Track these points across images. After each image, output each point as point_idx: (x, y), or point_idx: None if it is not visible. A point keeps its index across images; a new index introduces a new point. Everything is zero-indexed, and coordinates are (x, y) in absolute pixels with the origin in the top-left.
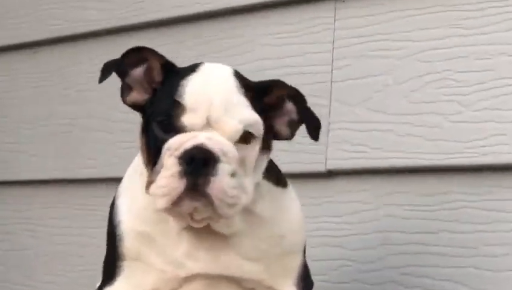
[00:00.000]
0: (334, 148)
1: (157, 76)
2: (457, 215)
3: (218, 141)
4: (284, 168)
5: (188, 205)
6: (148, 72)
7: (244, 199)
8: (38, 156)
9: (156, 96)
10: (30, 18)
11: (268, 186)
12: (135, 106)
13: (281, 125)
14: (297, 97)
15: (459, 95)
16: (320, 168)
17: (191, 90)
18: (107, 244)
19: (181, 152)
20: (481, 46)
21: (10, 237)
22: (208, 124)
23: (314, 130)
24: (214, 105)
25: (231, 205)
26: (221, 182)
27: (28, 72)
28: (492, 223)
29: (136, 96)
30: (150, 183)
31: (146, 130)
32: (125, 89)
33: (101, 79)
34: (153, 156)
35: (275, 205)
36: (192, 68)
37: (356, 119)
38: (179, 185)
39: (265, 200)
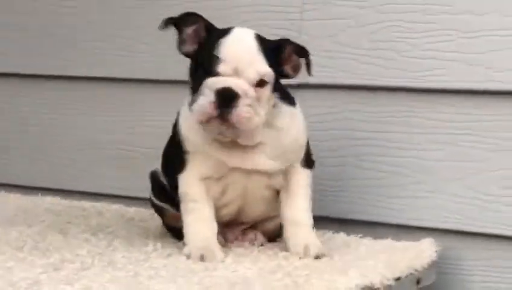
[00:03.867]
0: None
1: (202, 33)
2: (404, 123)
3: (241, 85)
4: None
5: (216, 127)
6: (196, 30)
7: (257, 121)
8: None
9: (201, 48)
10: None
11: (284, 107)
12: (187, 55)
13: (289, 70)
14: (301, 50)
15: (409, 38)
16: None
17: (225, 47)
18: (172, 145)
19: (216, 88)
20: (428, 5)
21: None
22: (236, 73)
23: (309, 68)
24: (240, 59)
25: (246, 125)
26: (240, 112)
27: None
28: (427, 128)
29: (188, 47)
30: (192, 102)
31: (195, 71)
32: (181, 42)
33: (161, 28)
34: (196, 88)
35: (289, 119)
36: (227, 30)
37: (324, 49)
38: (213, 111)
39: (283, 117)
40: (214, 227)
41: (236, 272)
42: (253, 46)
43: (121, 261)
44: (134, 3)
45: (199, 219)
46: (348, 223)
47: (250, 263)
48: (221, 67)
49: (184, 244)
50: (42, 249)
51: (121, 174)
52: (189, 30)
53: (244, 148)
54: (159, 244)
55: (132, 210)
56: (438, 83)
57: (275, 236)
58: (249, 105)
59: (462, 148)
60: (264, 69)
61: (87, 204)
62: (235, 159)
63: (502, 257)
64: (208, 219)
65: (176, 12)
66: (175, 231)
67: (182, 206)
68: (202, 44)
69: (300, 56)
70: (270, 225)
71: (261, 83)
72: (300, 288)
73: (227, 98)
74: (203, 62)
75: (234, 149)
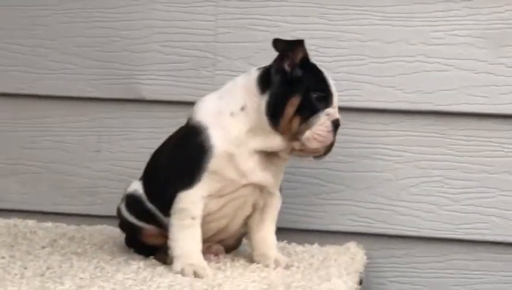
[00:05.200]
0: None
1: (296, 60)
2: None
3: None
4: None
5: (323, 151)
6: (295, 55)
7: None
8: None
9: (304, 75)
10: None
11: None
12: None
13: None
14: None
15: (322, 62)
16: None
17: (331, 83)
18: (185, 160)
19: (335, 119)
20: (340, 33)
21: None
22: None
23: None
24: (336, 92)
25: None
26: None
27: None
28: (340, 142)
29: (284, 66)
30: (304, 129)
31: (298, 93)
32: (280, 60)
33: (279, 49)
34: (305, 114)
35: None
36: (315, 65)
37: (238, 69)
38: (331, 137)
39: None
40: (201, 244)
41: (240, 286)
42: None
43: (128, 282)
44: (41, 20)
45: (192, 236)
46: None
47: (241, 276)
48: (335, 100)
49: (157, 259)
50: (33, 275)
51: (23, 188)
52: (290, 54)
53: (266, 165)
54: (141, 263)
55: (51, 225)
56: (352, 102)
57: (231, 249)
58: None
59: (372, 160)
60: None
61: (11, 221)
62: (254, 176)
63: (410, 254)
64: (199, 235)
65: (87, 30)
66: (144, 248)
67: (176, 222)
68: (298, 70)
69: None
70: (231, 240)
71: None
72: None
73: (337, 128)
74: (316, 91)
75: (258, 165)
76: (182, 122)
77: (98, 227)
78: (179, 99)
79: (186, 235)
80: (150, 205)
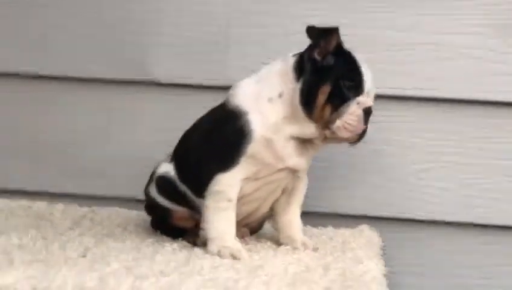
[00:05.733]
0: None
1: (330, 48)
2: None
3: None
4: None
5: (357, 138)
6: (329, 43)
7: None
8: None
9: (336, 63)
10: None
11: None
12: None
13: None
14: None
15: None
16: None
17: (364, 72)
18: (223, 143)
19: (366, 107)
20: (353, 20)
21: None
22: (368, 93)
23: None
24: (370, 81)
25: None
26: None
27: None
28: None
29: (315, 55)
30: (335, 118)
31: (328, 82)
32: (312, 48)
33: (311, 37)
34: (336, 103)
35: None
36: (349, 52)
37: (250, 54)
38: (361, 126)
39: None
40: (235, 226)
41: (280, 268)
42: None
43: (171, 264)
44: (53, 1)
45: (228, 218)
46: None
47: (275, 258)
48: (365, 88)
49: (186, 241)
50: (77, 256)
51: (31, 169)
52: (322, 42)
53: (302, 151)
54: (175, 245)
55: (63, 206)
56: None
57: (254, 232)
58: None
59: (384, 145)
60: None
61: (22, 202)
62: (290, 160)
63: (419, 237)
64: (234, 218)
65: (99, 12)
66: (173, 230)
67: (212, 204)
68: (330, 58)
69: None
70: (255, 223)
71: None
72: (353, 275)
73: (369, 116)
74: (348, 79)
75: (295, 150)
76: (192, 105)
77: (112, 209)
78: (190, 83)
79: (221, 218)
80: (182, 187)
